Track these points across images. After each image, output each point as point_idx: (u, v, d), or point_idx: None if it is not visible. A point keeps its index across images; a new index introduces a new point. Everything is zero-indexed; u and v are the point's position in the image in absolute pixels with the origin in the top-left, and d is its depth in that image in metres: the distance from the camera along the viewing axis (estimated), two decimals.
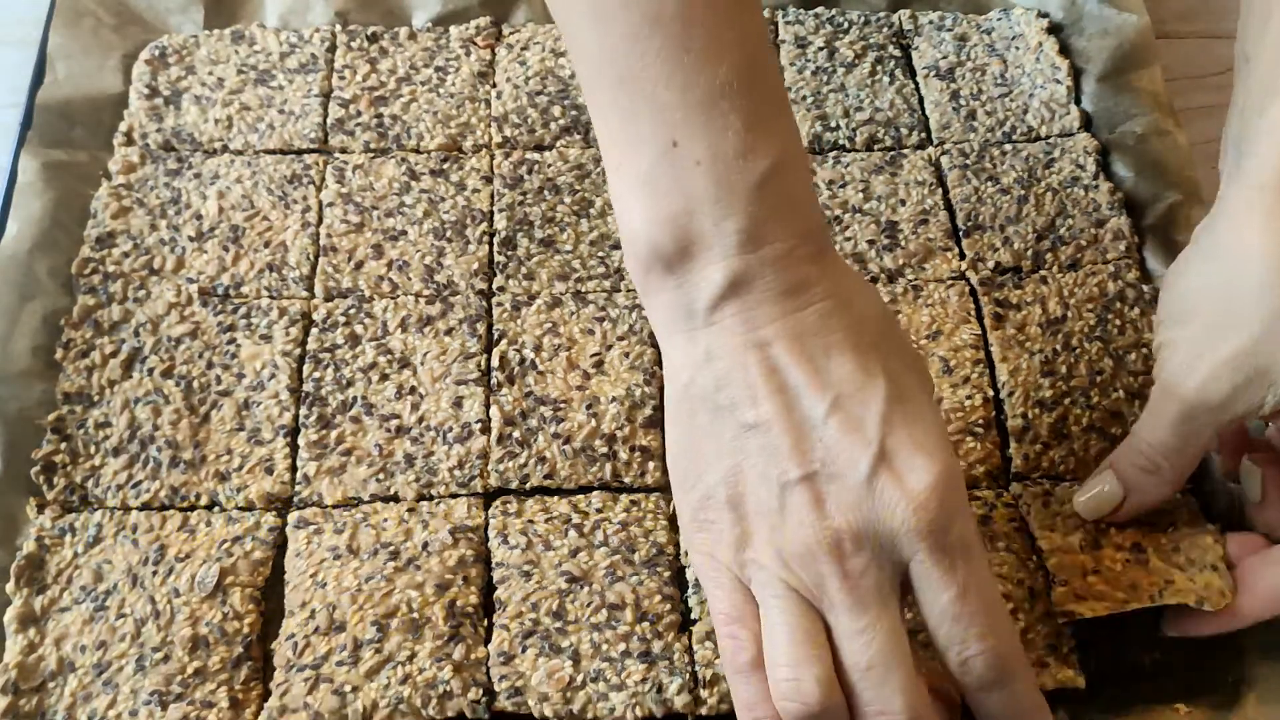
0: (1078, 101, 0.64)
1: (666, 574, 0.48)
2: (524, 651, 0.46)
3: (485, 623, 0.48)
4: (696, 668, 0.46)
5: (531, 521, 0.50)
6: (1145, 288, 0.57)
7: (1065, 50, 0.66)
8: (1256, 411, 0.42)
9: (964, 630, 0.37)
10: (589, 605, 0.47)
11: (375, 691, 0.45)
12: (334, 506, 0.51)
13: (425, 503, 0.51)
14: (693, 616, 0.48)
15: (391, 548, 0.49)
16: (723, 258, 0.37)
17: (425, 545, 0.49)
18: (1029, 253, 0.58)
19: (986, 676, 0.37)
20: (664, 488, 0.52)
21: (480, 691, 0.45)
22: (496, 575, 0.48)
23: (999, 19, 0.67)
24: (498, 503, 0.51)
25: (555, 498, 0.51)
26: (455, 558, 0.49)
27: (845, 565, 0.36)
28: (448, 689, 0.45)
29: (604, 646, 0.46)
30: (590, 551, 0.49)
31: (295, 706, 0.45)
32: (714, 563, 0.39)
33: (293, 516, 0.50)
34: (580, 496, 0.51)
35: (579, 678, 0.45)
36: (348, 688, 0.45)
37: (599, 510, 0.50)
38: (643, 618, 0.47)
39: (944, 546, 0.36)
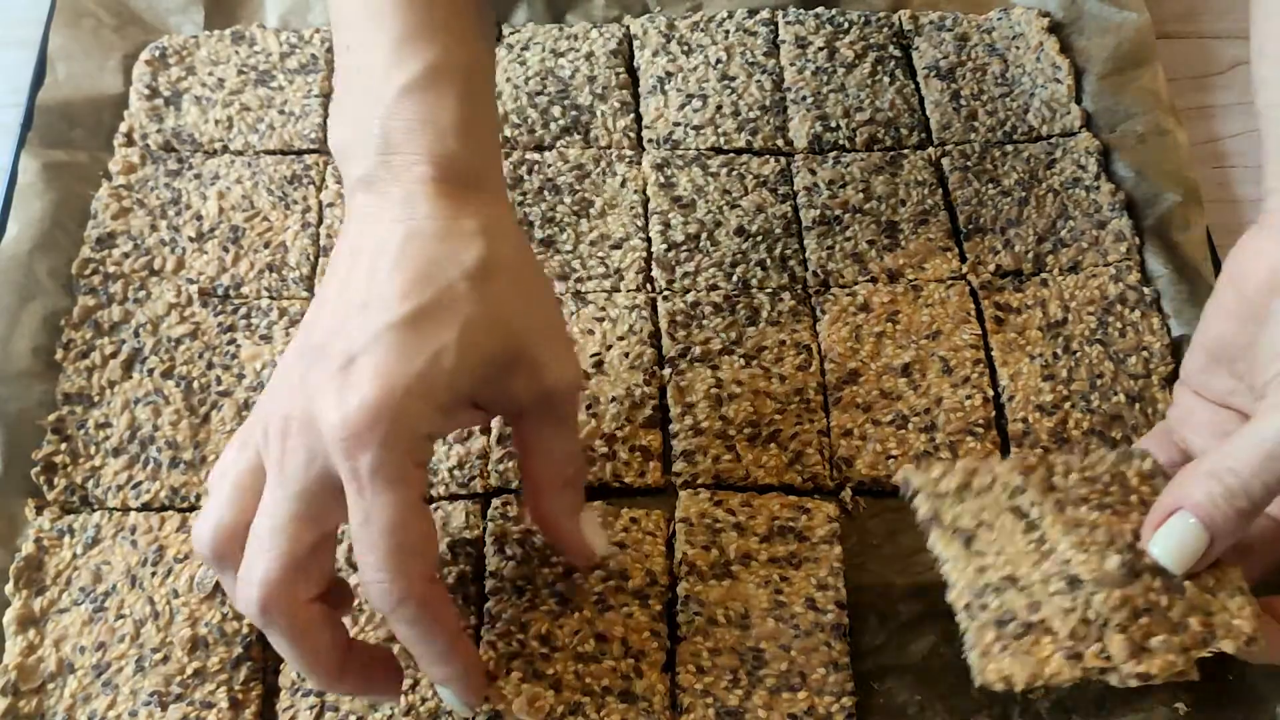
0: (1078, 101, 0.64)
1: (657, 607, 0.48)
2: (509, 674, 0.45)
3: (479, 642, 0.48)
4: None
5: (531, 531, 0.49)
6: (1145, 290, 0.57)
7: (1066, 49, 0.66)
8: None
9: (363, 557, 0.37)
10: (576, 633, 0.46)
11: None
12: None
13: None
14: (679, 634, 0.47)
15: None
16: (362, 155, 0.41)
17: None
18: (1030, 255, 0.58)
19: (381, 605, 0.38)
20: (664, 489, 0.52)
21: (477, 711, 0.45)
22: (489, 585, 0.48)
23: (999, 19, 0.67)
24: (497, 503, 0.50)
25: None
26: (454, 574, 0.49)
27: (284, 443, 0.38)
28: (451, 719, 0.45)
29: (588, 680, 0.45)
30: (585, 573, 0.48)
31: None
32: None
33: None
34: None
35: (559, 708, 0.45)
36: (353, 717, 0.45)
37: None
38: (628, 653, 0.46)
39: (355, 470, 0.37)
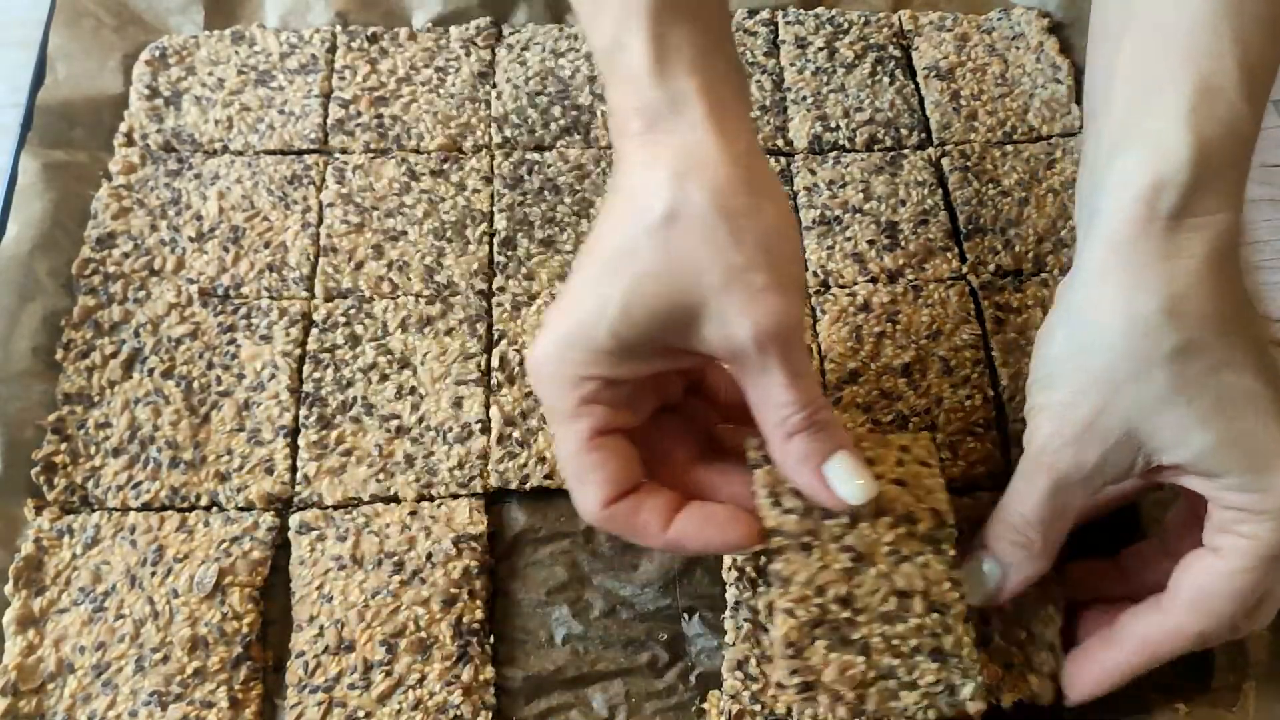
0: (1079, 101, 0.64)
1: (951, 552, 0.43)
2: (813, 644, 0.41)
3: (490, 640, 0.48)
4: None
5: None
6: None
7: (1066, 49, 0.66)
8: (1127, 475, 0.41)
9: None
10: (875, 592, 0.42)
11: (388, 717, 0.45)
12: (334, 508, 0.51)
13: (426, 504, 0.51)
14: (728, 640, 0.47)
15: (396, 558, 0.49)
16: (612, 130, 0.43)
17: (429, 556, 0.49)
18: (1030, 256, 0.58)
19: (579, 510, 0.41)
20: None
21: (490, 715, 0.46)
22: (775, 543, 0.42)
23: (999, 19, 0.67)
24: (753, 445, 0.43)
25: None
26: (459, 569, 0.49)
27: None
28: (458, 713, 0.45)
29: (895, 641, 0.42)
30: (872, 522, 0.42)
31: None
32: None
33: (294, 520, 0.50)
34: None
35: (870, 674, 0.41)
36: (361, 713, 0.45)
37: (871, 462, 0.44)
38: (931, 608, 0.42)
39: (542, 404, 0.42)
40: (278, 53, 0.64)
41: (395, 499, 0.51)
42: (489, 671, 0.47)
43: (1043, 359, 0.42)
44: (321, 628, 0.47)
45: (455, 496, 0.51)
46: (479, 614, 0.48)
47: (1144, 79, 0.40)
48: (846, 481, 0.41)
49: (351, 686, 0.46)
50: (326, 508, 0.51)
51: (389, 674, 0.46)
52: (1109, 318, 0.39)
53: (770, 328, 0.39)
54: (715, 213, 0.39)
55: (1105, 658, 0.44)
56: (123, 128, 0.62)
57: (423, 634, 0.47)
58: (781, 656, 0.41)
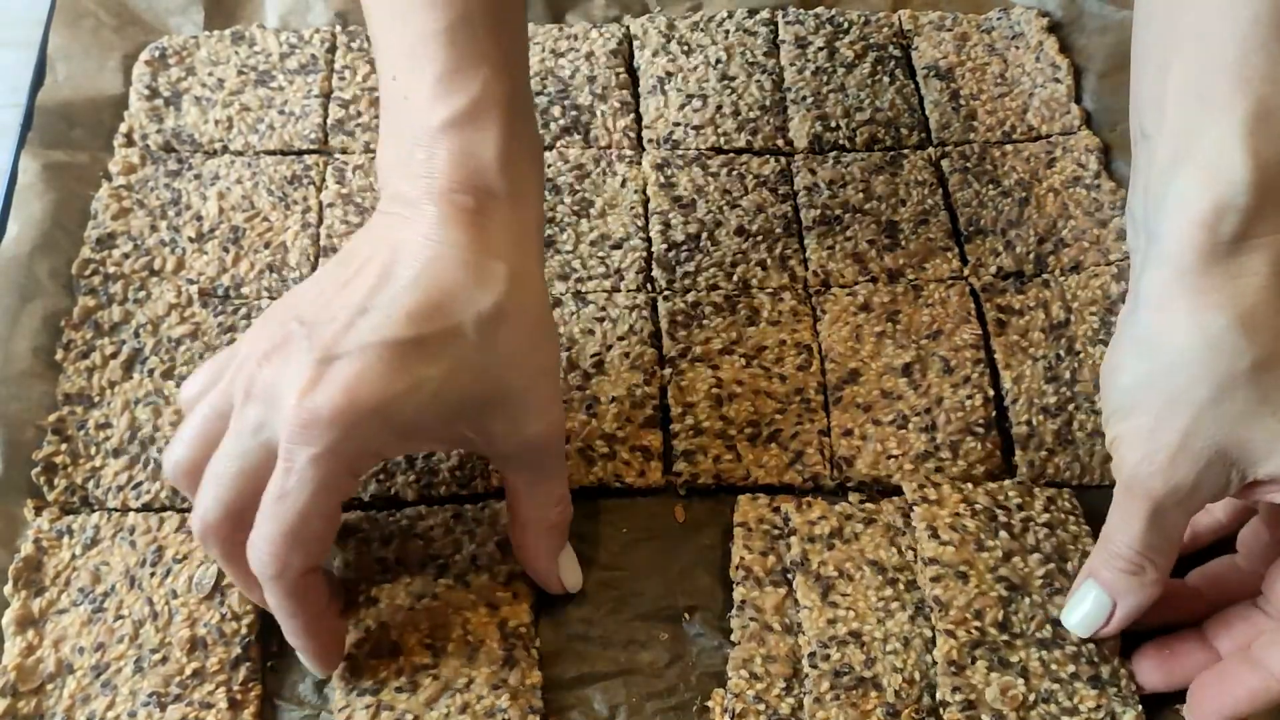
0: (1078, 100, 0.64)
1: None
2: (974, 663, 0.45)
3: (537, 643, 0.47)
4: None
5: (957, 514, 0.49)
6: None
7: (1065, 49, 0.66)
8: (1225, 493, 0.41)
9: (260, 525, 0.40)
10: (1031, 619, 0.46)
11: None
12: (375, 509, 0.50)
13: (469, 506, 0.50)
14: (734, 639, 0.47)
15: (440, 561, 0.48)
16: (404, 176, 0.42)
17: (474, 559, 0.48)
18: (1031, 256, 0.58)
19: (256, 570, 0.41)
20: (664, 489, 0.52)
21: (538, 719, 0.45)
22: (930, 572, 0.47)
23: (999, 18, 0.67)
24: (912, 487, 0.50)
25: (970, 485, 0.51)
26: (504, 573, 0.48)
27: (245, 402, 0.40)
28: (506, 717, 0.45)
29: (1054, 666, 0.45)
30: (1024, 556, 0.48)
31: None
32: None
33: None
34: (994, 486, 0.51)
35: (1030, 696, 0.44)
36: (409, 716, 0.45)
37: (1020, 507, 0.50)
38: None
39: (292, 453, 0.39)
40: (278, 53, 0.64)
41: (436, 500, 0.51)
42: (536, 675, 0.46)
43: (1115, 389, 0.43)
44: (368, 630, 0.47)
45: (456, 498, 0.51)
46: (525, 617, 0.47)
47: (1197, 102, 0.40)
48: (572, 571, 0.48)
49: (399, 689, 0.45)
50: (369, 509, 0.50)
51: (435, 677, 0.45)
52: (1182, 339, 0.40)
53: (555, 434, 0.44)
54: (538, 318, 0.43)
55: (1234, 681, 0.43)
56: (123, 128, 0.62)
57: (469, 638, 0.46)
58: (944, 674, 0.45)
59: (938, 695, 0.45)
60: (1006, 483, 0.51)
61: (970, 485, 0.51)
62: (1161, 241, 0.41)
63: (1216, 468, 0.40)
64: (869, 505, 0.51)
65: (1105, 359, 0.44)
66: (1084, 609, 0.45)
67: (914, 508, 0.49)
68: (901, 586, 0.48)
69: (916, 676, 0.46)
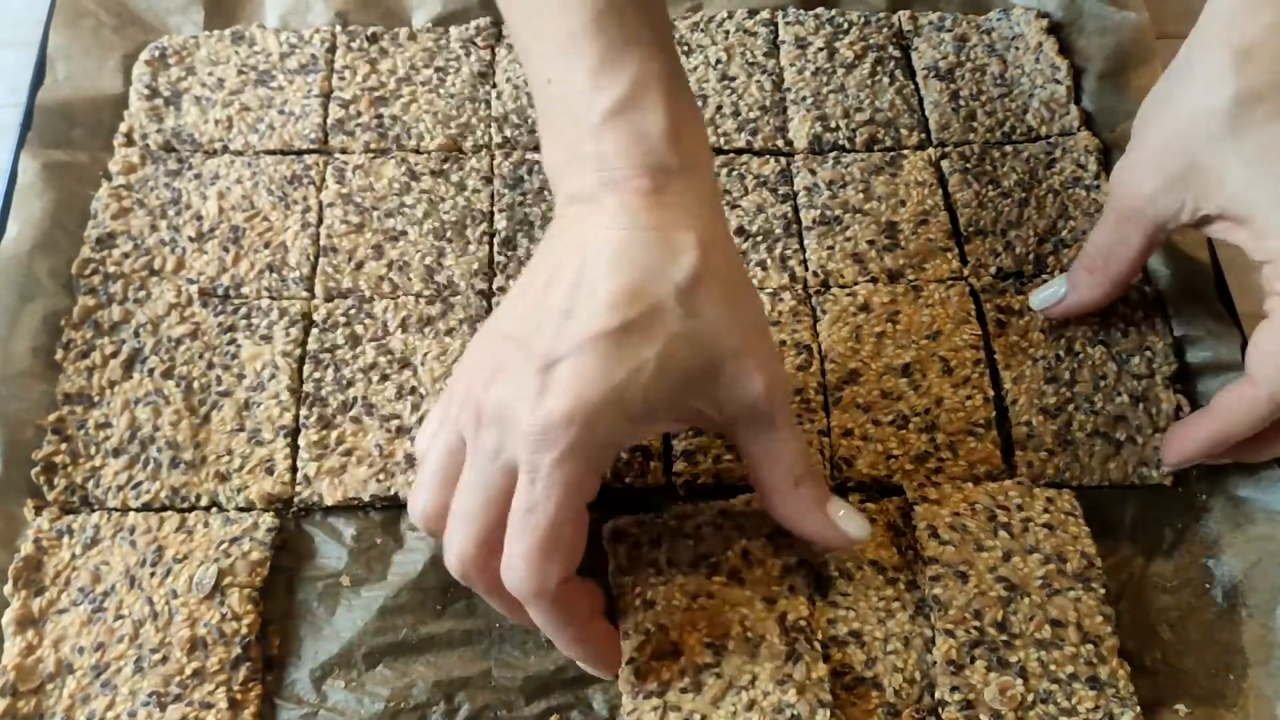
0: (1078, 101, 0.64)
1: (1101, 590, 0.47)
2: (973, 662, 0.45)
3: (819, 636, 0.46)
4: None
5: (957, 514, 0.49)
6: (1146, 289, 0.57)
7: (1065, 49, 0.66)
8: (1179, 218, 0.46)
9: (513, 543, 0.40)
10: (1030, 619, 0.46)
11: (725, 719, 0.44)
12: (649, 512, 0.49)
13: (734, 499, 0.49)
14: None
15: (712, 559, 0.47)
16: (577, 173, 0.43)
17: (745, 554, 0.47)
18: (1031, 257, 0.58)
19: (515, 590, 0.41)
20: (664, 488, 0.52)
21: (828, 714, 0.44)
22: (930, 572, 0.47)
23: (999, 19, 0.67)
24: (912, 487, 0.50)
25: (971, 485, 0.51)
26: (778, 567, 0.47)
27: (478, 431, 0.41)
28: (795, 713, 0.44)
29: (1052, 667, 0.45)
30: (1023, 557, 0.48)
31: None
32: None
33: (606, 528, 0.48)
34: (994, 486, 0.51)
35: (1029, 696, 0.45)
36: (696, 716, 0.44)
37: (1019, 507, 0.49)
38: (1085, 638, 0.46)
39: (535, 464, 0.39)
40: (278, 53, 0.64)
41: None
42: (821, 668, 0.45)
43: (1137, 118, 0.49)
44: (648, 633, 0.45)
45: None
46: (803, 610, 0.46)
47: None
48: (854, 520, 0.44)
49: (683, 690, 0.44)
50: (636, 513, 0.49)
51: (719, 676, 0.45)
52: (1187, 69, 0.45)
53: (779, 387, 0.42)
54: (736, 276, 0.43)
55: (1194, 425, 0.49)
56: (123, 128, 0.62)
57: (749, 634, 0.45)
58: (943, 674, 0.45)
59: (936, 695, 0.45)
60: (1006, 483, 0.51)
61: (970, 485, 0.51)
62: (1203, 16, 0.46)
63: (1177, 189, 0.45)
64: (869, 505, 0.50)
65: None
66: (1046, 292, 0.54)
67: (914, 508, 0.49)
68: (901, 586, 0.48)
69: (917, 676, 0.46)
